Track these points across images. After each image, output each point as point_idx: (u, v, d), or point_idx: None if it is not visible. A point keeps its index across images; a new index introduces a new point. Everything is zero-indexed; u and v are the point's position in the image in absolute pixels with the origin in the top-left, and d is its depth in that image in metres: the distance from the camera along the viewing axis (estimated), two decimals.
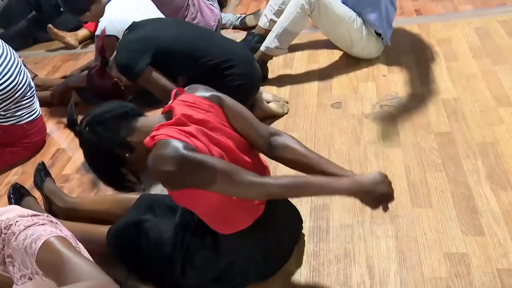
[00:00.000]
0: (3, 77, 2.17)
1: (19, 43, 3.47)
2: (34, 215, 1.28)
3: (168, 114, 1.40)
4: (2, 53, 2.20)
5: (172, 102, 1.42)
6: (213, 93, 1.47)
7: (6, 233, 1.19)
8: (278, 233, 1.56)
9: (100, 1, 2.54)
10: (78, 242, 1.29)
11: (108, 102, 2.11)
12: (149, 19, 2.32)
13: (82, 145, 1.45)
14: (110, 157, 1.40)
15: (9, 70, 2.20)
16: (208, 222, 1.48)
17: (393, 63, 2.60)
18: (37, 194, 2.09)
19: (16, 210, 1.29)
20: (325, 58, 2.76)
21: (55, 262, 1.10)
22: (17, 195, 1.98)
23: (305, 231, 1.74)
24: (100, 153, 1.41)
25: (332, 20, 2.50)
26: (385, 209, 1.35)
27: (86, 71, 2.62)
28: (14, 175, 2.34)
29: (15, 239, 1.17)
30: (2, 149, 2.33)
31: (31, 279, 1.17)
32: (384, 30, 2.56)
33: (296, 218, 1.69)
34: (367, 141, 2.11)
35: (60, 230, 1.25)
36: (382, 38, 2.61)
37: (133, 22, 2.20)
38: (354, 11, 2.53)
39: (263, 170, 1.52)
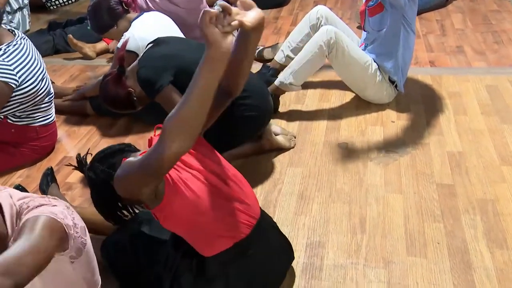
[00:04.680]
0: (26, 81, 2.23)
1: (41, 51, 3.57)
2: (54, 199, 1.36)
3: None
4: (31, 59, 2.27)
5: (153, 135, 1.51)
6: None
7: (22, 209, 1.29)
8: (264, 263, 1.56)
9: (126, 17, 2.62)
10: (87, 234, 1.37)
11: (118, 111, 2.17)
12: (174, 37, 2.37)
13: (88, 183, 1.58)
14: (107, 192, 1.47)
15: (33, 76, 2.26)
16: (191, 243, 1.50)
17: (403, 110, 2.64)
18: None
19: (35, 195, 1.39)
20: (337, 98, 2.81)
21: (20, 234, 1.21)
22: None
23: (298, 266, 1.75)
24: (98, 188, 1.52)
25: (348, 63, 2.56)
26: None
27: (100, 78, 2.69)
28: (19, 177, 2.37)
29: (27, 212, 1.27)
30: (11, 148, 2.37)
31: None
32: (399, 78, 2.61)
33: (285, 251, 1.68)
34: (369, 184, 2.13)
35: (73, 217, 1.33)
36: (396, 85, 2.66)
37: (158, 37, 2.25)
38: (371, 56, 2.60)
39: (249, 197, 1.54)
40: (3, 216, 1.28)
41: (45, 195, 1.39)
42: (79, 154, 1.58)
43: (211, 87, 1.15)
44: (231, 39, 1.09)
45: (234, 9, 1.10)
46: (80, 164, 1.58)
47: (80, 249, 1.35)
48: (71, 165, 1.60)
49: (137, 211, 1.62)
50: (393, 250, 1.79)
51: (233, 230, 1.48)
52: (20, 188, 2.06)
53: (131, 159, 1.35)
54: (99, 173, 1.50)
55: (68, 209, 1.35)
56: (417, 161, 2.24)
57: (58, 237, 1.25)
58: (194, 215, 1.42)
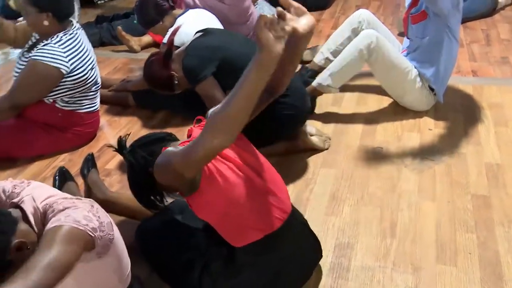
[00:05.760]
0: (77, 69, 2.35)
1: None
2: (77, 199, 1.38)
3: (189, 137, 1.53)
4: (83, 49, 2.39)
5: (193, 126, 1.56)
6: None
7: (47, 213, 1.32)
8: (292, 258, 1.58)
9: (172, 13, 2.69)
10: (114, 229, 1.39)
11: (157, 90, 2.22)
12: (222, 29, 2.43)
13: (126, 166, 1.62)
14: (144, 177, 1.52)
15: (83, 64, 2.38)
16: (221, 233, 1.53)
17: (441, 118, 2.61)
18: (80, 181, 2.20)
19: (59, 194, 1.42)
20: (374, 102, 2.80)
21: (40, 245, 1.23)
22: (62, 178, 2.11)
23: (325, 265, 1.76)
24: (136, 173, 1.56)
25: (388, 68, 2.55)
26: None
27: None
28: (62, 161, 2.47)
29: (52, 216, 1.30)
30: (57, 132, 2.48)
31: None
32: (438, 86, 2.58)
33: (314, 249, 1.69)
34: (402, 190, 2.12)
35: (98, 216, 1.35)
36: (435, 93, 2.63)
37: (207, 28, 2.31)
38: (412, 63, 2.58)
39: (281, 192, 1.57)
40: (30, 223, 1.30)
41: (68, 196, 1.41)
42: (120, 137, 1.63)
43: (258, 88, 1.18)
44: (282, 45, 1.13)
45: (288, 15, 1.15)
46: (121, 146, 1.62)
47: (107, 245, 1.37)
48: (111, 146, 1.66)
49: (169, 200, 1.66)
50: (423, 257, 1.78)
51: (264, 223, 1.51)
52: (63, 170, 2.16)
53: (171, 148, 1.40)
54: (138, 159, 1.55)
55: (93, 208, 1.38)
56: (452, 170, 2.22)
57: (81, 244, 1.27)
58: (227, 206, 1.46)
